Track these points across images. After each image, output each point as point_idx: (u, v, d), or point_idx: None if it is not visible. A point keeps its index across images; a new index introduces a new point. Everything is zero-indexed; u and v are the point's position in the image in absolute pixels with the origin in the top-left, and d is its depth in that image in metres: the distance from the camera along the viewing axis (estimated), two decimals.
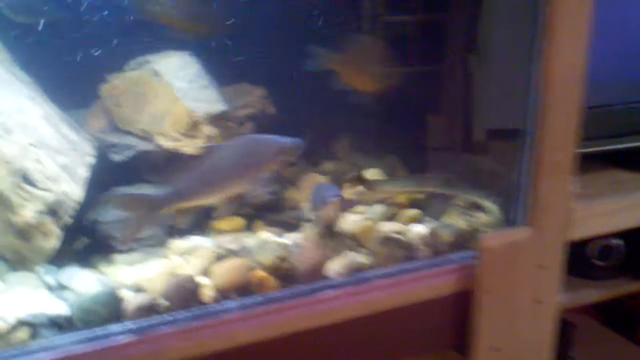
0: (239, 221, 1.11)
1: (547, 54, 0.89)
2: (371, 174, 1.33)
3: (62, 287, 0.86)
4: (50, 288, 0.85)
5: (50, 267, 0.87)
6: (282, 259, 0.94)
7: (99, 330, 0.77)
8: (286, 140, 0.98)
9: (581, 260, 1.13)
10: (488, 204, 1.15)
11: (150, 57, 1.15)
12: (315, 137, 1.24)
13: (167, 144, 1.09)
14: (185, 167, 0.93)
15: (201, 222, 1.10)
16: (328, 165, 1.39)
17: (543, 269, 0.99)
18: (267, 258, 0.94)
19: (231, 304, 0.86)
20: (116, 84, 1.14)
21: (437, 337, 1.01)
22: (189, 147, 1.09)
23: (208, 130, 1.09)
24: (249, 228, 1.12)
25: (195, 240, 1.03)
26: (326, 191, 1.00)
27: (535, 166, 0.95)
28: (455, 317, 0.99)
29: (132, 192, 0.89)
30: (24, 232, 0.86)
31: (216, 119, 1.11)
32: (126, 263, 0.95)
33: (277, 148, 0.98)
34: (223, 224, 1.10)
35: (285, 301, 0.88)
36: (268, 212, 1.14)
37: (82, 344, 0.74)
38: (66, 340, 0.75)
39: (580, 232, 1.01)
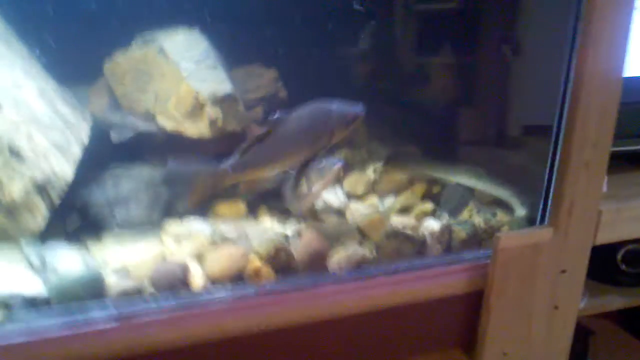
0: (240, 206, 1.06)
1: (582, 43, 0.82)
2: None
3: (46, 267, 0.82)
4: (33, 268, 0.81)
5: (36, 247, 0.84)
6: (281, 249, 0.89)
7: (78, 313, 0.73)
8: (357, 108, 0.92)
9: (606, 264, 1.06)
10: (510, 199, 1.08)
11: (157, 35, 1.10)
12: None
13: (168, 124, 1.05)
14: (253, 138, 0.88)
15: (203, 205, 1.05)
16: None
17: (565, 273, 0.93)
18: (265, 247, 0.89)
19: (220, 292, 0.82)
20: (120, 61, 1.10)
21: (444, 337, 0.96)
22: (191, 129, 1.04)
23: (213, 112, 1.05)
24: (251, 214, 1.07)
25: (192, 224, 0.98)
26: (330, 159, 0.96)
27: (562, 163, 0.88)
28: (465, 318, 0.94)
29: (198, 167, 0.86)
30: (11, 210, 0.83)
31: (222, 101, 1.06)
32: (117, 245, 0.91)
33: (351, 116, 0.91)
34: (224, 208, 1.05)
35: (279, 293, 0.83)
36: (272, 198, 1.09)
37: (58, 326, 0.71)
38: (41, 322, 0.71)
39: (608, 236, 0.95)
